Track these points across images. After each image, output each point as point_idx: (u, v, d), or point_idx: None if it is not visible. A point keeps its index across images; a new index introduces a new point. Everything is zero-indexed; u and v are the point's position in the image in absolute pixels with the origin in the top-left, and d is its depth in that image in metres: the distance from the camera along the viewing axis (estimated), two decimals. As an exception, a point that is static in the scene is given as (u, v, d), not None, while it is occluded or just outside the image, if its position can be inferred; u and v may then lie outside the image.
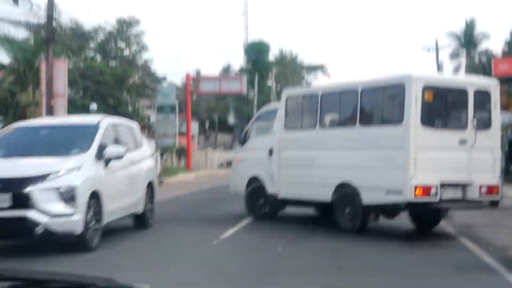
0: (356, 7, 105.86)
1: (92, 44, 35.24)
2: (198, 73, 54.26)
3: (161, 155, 34.91)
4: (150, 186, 13.51)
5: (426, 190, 11.67)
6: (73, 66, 34.57)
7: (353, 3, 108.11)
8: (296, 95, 15.25)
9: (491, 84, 12.98)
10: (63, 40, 31.63)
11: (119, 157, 11.31)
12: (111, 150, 11.15)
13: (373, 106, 13.12)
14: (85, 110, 32.53)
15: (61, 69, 25.73)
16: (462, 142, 12.21)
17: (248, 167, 15.44)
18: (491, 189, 12.45)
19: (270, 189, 14.69)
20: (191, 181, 31.94)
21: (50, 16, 24.95)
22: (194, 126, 49.99)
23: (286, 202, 14.79)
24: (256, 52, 57.28)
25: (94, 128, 11.45)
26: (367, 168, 12.45)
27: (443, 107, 12.68)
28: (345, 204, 12.76)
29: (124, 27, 36.50)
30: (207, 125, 58.72)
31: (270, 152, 14.72)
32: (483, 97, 12.60)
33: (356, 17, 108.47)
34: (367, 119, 12.91)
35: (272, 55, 62.34)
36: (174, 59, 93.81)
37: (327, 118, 13.90)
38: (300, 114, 14.60)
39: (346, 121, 13.39)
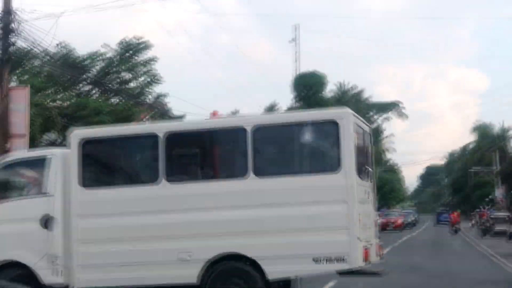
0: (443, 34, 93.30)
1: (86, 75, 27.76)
2: (235, 113, 45.43)
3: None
4: None
5: (366, 253, 10.58)
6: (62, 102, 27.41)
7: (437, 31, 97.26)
8: (102, 138, 12.16)
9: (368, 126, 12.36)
10: (41, 66, 24.39)
11: None
12: None
13: (279, 150, 11.55)
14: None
15: (20, 100, 19.28)
16: (366, 193, 11.28)
17: None
18: (381, 250, 11.89)
19: (50, 277, 11.77)
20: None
21: (6, 27, 18.46)
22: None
23: None
24: (307, 86, 46.55)
25: None
26: (273, 231, 10.58)
27: (358, 151, 11.08)
28: (229, 284, 10.76)
29: (130, 52, 29.09)
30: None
31: (46, 222, 11.83)
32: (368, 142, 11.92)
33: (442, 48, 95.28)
34: (267, 167, 11.04)
35: (329, 91, 50.81)
36: (211, 101, 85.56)
37: (183, 169, 11.61)
38: (121, 164, 12.32)
39: (224, 172, 11.47)
